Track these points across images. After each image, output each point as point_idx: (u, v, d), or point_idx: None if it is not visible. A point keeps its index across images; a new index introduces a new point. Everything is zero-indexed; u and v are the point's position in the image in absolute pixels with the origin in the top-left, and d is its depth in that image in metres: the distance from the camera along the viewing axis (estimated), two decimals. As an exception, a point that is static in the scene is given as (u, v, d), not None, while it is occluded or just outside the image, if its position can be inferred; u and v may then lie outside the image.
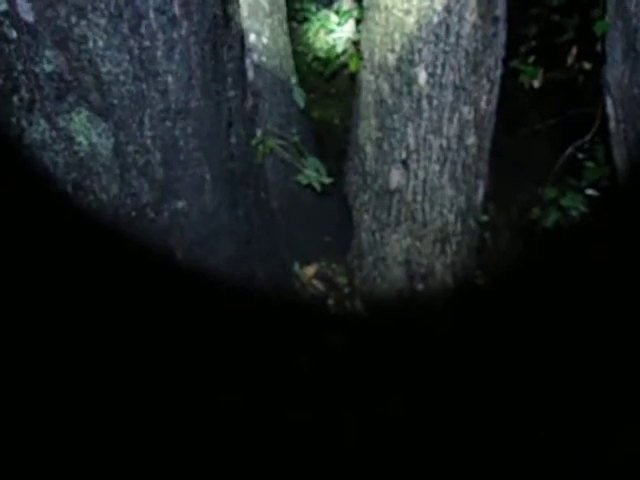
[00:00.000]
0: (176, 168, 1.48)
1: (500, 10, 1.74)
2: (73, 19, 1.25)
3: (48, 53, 1.27)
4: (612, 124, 1.93)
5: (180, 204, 1.53)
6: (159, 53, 1.33)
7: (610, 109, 1.91)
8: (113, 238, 1.40)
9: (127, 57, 1.30)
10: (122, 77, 1.32)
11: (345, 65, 3.30)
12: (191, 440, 1.46)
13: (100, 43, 1.28)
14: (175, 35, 1.34)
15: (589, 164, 2.10)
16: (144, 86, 1.35)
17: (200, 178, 1.56)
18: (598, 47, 1.95)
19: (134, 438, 1.41)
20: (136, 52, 1.31)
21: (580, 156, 2.14)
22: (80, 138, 1.35)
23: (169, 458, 1.43)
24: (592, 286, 1.90)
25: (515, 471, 1.46)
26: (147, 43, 1.31)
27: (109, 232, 1.40)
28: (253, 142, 1.86)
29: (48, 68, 1.28)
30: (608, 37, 1.85)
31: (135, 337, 1.47)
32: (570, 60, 2.11)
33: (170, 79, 1.37)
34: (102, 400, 1.39)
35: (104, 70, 1.30)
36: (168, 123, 1.41)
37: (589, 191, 2.05)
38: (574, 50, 2.10)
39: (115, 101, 1.34)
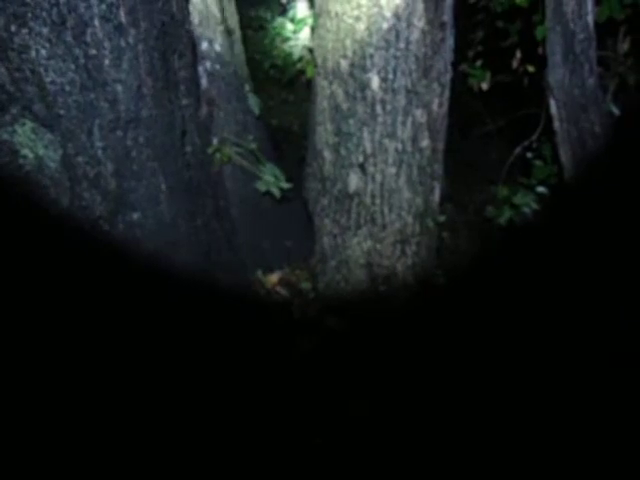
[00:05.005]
0: (129, 179, 1.45)
1: (447, 16, 1.80)
2: (13, 28, 1.21)
3: (-13, 63, 1.22)
4: (556, 124, 2.02)
5: (135, 215, 1.49)
6: (106, 62, 1.30)
7: (554, 110, 2.00)
8: (65, 252, 1.35)
9: (72, 66, 1.27)
10: (68, 87, 1.28)
11: (302, 72, 3.31)
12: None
13: (43, 52, 1.24)
14: (122, 43, 1.31)
15: (538, 163, 2.19)
16: (92, 96, 1.31)
17: (155, 188, 1.53)
18: (540, 50, 2.04)
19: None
20: (82, 61, 1.27)
21: (529, 155, 2.22)
22: (25, 151, 1.30)
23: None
24: (547, 278, 1.98)
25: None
26: (93, 51, 1.28)
27: (60, 246, 1.35)
28: (209, 150, 1.84)
29: (-13, 79, 1.23)
30: (548, 41, 1.94)
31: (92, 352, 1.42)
32: (515, 63, 2.20)
33: (119, 88, 1.34)
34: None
35: (48, 80, 1.26)
36: (119, 133, 1.38)
37: (539, 189, 2.13)
38: (518, 54, 2.19)
39: (62, 111, 1.29)
